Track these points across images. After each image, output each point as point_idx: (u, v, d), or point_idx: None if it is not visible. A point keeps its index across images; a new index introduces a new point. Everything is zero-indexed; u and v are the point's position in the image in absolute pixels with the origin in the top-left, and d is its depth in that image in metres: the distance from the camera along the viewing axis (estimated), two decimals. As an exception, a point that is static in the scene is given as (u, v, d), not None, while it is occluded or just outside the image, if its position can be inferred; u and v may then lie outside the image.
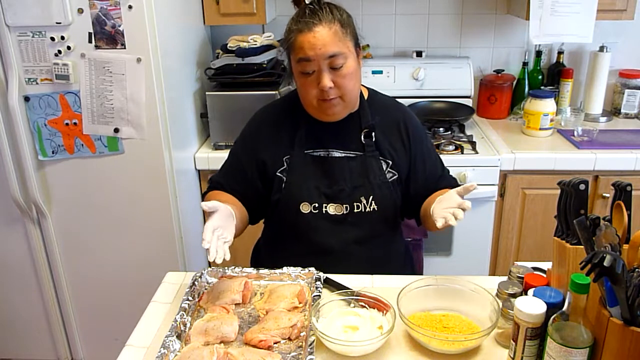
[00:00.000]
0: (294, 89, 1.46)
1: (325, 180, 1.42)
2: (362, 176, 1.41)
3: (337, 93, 1.33)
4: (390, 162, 1.44)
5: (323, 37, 1.28)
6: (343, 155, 1.43)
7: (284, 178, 1.42)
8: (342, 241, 1.42)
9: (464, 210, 1.19)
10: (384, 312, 1.15)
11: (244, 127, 1.52)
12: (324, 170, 1.42)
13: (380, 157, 1.43)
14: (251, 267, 1.40)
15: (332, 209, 1.41)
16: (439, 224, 1.20)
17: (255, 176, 1.45)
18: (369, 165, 1.42)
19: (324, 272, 1.33)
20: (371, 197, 1.41)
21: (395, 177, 1.44)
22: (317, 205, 1.41)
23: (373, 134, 1.43)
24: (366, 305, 1.18)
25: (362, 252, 1.44)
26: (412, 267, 1.63)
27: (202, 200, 1.52)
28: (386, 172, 1.43)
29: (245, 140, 1.50)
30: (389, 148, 1.44)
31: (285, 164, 1.43)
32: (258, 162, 1.45)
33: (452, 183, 1.49)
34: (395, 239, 1.54)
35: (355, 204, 1.41)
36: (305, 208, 1.41)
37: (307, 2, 1.35)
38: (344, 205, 1.41)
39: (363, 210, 1.41)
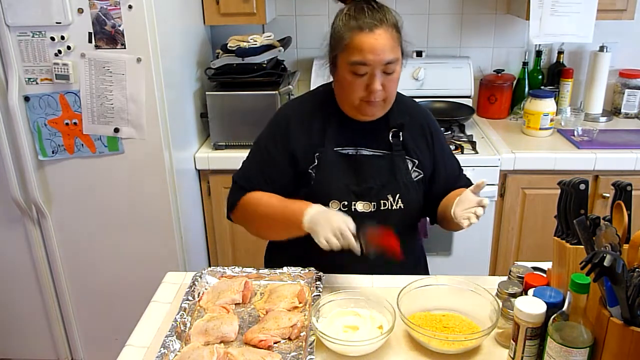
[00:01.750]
0: (321, 84, 1.45)
1: (354, 178, 1.42)
2: (389, 175, 1.42)
3: (383, 96, 1.33)
4: (416, 162, 1.45)
5: (384, 41, 1.26)
6: (371, 153, 1.43)
7: (313, 175, 1.41)
8: None
9: (483, 207, 1.23)
10: (384, 312, 1.15)
11: (268, 123, 1.48)
12: (353, 168, 1.42)
13: (407, 157, 1.44)
14: (265, 267, 1.39)
15: (360, 206, 1.41)
16: (465, 224, 1.24)
17: (289, 168, 1.43)
18: (396, 164, 1.42)
19: (346, 269, 1.34)
20: (398, 196, 1.41)
21: (420, 176, 1.45)
22: (346, 203, 1.40)
23: (401, 133, 1.44)
24: (366, 305, 1.18)
25: None
26: (426, 266, 1.63)
27: (230, 209, 1.45)
28: (412, 171, 1.44)
29: (274, 134, 1.46)
30: (414, 148, 1.45)
31: (316, 161, 1.42)
32: (290, 154, 1.42)
33: (468, 183, 1.51)
34: (414, 238, 1.56)
35: (382, 201, 1.41)
36: (335, 205, 1.40)
37: None
38: (372, 203, 1.41)
39: (390, 207, 1.41)
